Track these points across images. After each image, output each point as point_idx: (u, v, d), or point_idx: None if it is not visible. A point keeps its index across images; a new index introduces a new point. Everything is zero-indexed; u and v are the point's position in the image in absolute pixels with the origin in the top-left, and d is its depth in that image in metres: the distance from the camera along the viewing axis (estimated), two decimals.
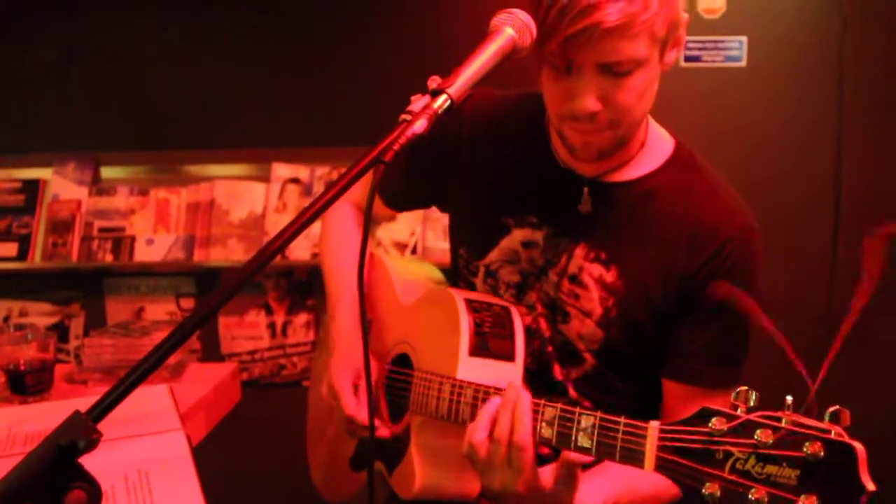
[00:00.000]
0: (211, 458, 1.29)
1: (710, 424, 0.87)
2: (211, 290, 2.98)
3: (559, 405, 1.06)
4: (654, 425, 0.94)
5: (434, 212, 2.80)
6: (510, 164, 1.36)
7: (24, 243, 2.90)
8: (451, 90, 1.00)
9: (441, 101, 1.00)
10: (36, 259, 2.89)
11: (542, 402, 1.07)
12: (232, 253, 2.83)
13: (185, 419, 1.40)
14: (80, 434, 0.84)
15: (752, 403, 0.85)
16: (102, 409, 0.87)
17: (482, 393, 1.19)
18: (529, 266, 1.34)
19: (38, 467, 0.81)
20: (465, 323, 1.29)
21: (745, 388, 0.86)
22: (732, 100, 2.69)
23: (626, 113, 1.16)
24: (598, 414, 1.01)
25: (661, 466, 0.92)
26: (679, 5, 1.16)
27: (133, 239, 2.87)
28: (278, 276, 2.96)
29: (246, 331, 2.94)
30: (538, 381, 1.32)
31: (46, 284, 3.00)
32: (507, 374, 1.28)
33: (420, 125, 0.98)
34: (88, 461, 0.83)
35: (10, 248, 2.90)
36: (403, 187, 1.47)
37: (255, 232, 2.85)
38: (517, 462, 1.05)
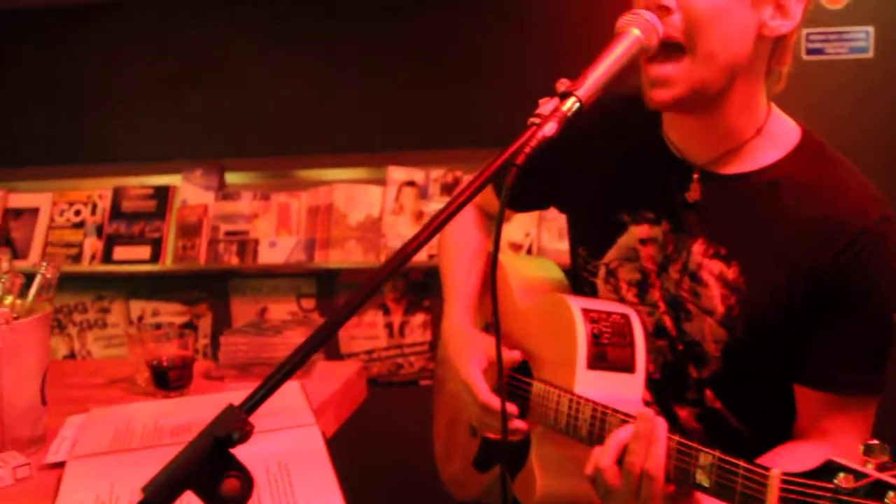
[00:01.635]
0: (342, 452, 1.33)
1: (835, 481, 0.83)
2: (330, 291, 3.07)
3: (677, 437, 1.05)
4: (775, 474, 0.91)
5: (549, 212, 2.81)
6: (623, 159, 1.35)
7: (156, 247, 3.06)
8: (579, 93, 1.01)
9: (570, 104, 1.00)
10: (167, 262, 3.04)
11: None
12: (350, 255, 2.91)
13: (316, 415, 1.45)
14: (234, 426, 0.88)
15: (884, 460, 0.81)
16: (254, 402, 0.91)
17: (600, 412, 1.18)
18: (649, 263, 1.32)
19: (197, 456, 0.86)
20: (582, 334, 1.28)
21: (877, 441, 0.82)
22: (858, 94, 2.58)
23: (699, 29, 1.11)
24: (717, 453, 1.00)
25: None
26: None
27: (257, 242, 2.99)
28: (396, 276, 3.01)
29: (364, 331, 3.02)
30: (670, 382, 1.30)
31: (176, 285, 3.16)
32: (628, 386, 1.27)
33: (550, 128, 0.99)
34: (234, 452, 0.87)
35: (144, 252, 3.06)
36: (522, 188, 1.49)
37: (373, 234, 2.92)
38: (646, 492, 1.05)
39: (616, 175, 1.35)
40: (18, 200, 3.22)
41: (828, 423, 1.21)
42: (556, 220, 2.79)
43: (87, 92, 3.14)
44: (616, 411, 1.16)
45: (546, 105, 1.04)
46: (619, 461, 1.09)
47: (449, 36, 2.88)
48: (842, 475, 0.83)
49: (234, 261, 2.99)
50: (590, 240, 1.40)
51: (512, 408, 1.35)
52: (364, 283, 0.93)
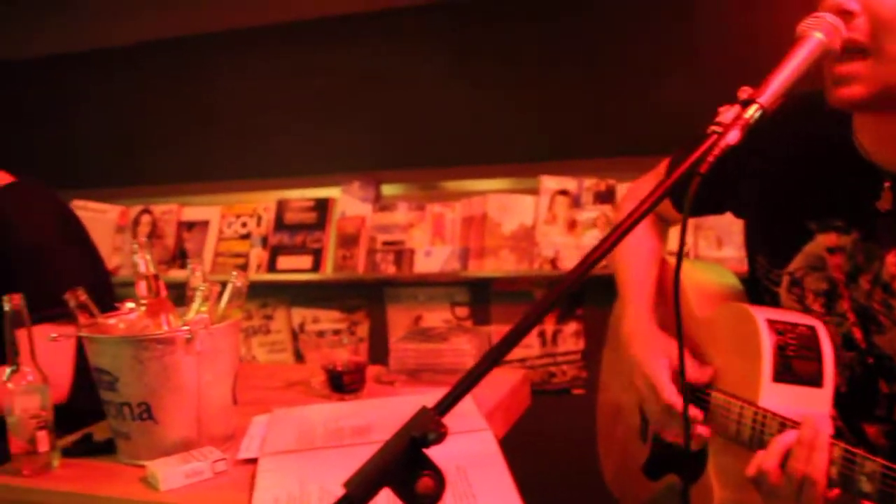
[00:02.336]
0: (510, 457, 1.35)
1: None
2: (483, 299, 3.11)
3: (842, 444, 1.04)
4: None
5: (706, 220, 2.76)
6: (809, 163, 1.30)
7: (317, 256, 3.20)
8: (762, 100, 0.99)
9: (752, 111, 0.99)
10: (327, 271, 3.17)
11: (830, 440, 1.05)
12: (504, 264, 2.94)
13: (486, 420, 1.49)
14: (429, 427, 0.91)
15: None
16: (446, 405, 0.94)
17: (791, 426, 1.16)
18: (837, 273, 1.28)
19: (395, 455, 0.90)
20: (767, 346, 1.25)
21: None
22: None
23: (885, 32, 1.07)
24: (880, 461, 0.98)
25: None
26: None
27: (412, 251, 3.07)
28: (549, 285, 3.02)
29: None
30: (857, 397, 1.26)
31: (335, 294, 3.29)
32: (815, 400, 1.23)
33: (733, 136, 0.98)
34: None
35: (306, 261, 3.20)
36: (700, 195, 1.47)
37: (526, 243, 2.94)
38: (807, 496, 1.04)
39: (801, 180, 1.31)
40: (191, 214, 3.44)
41: None
42: (713, 228, 2.73)
43: (249, 112, 3.32)
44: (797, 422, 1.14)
45: (727, 113, 1.03)
46: (783, 464, 1.09)
47: (601, 41, 2.87)
48: None
49: (391, 270, 3.08)
50: (771, 248, 1.36)
51: (696, 412, 1.34)
52: (550, 291, 0.95)
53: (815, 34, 1.05)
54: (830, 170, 1.27)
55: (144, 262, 1.52)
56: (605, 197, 2.91)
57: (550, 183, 2.97)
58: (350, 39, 3.16)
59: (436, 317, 3.18)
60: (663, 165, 1.61)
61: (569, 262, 2.86)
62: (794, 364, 1.25)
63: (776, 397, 1.23)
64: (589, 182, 2.93)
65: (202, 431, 1.44)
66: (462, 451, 1.33)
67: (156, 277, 1.52)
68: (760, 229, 1.41)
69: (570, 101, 2.92)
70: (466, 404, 1.58)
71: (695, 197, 0.97)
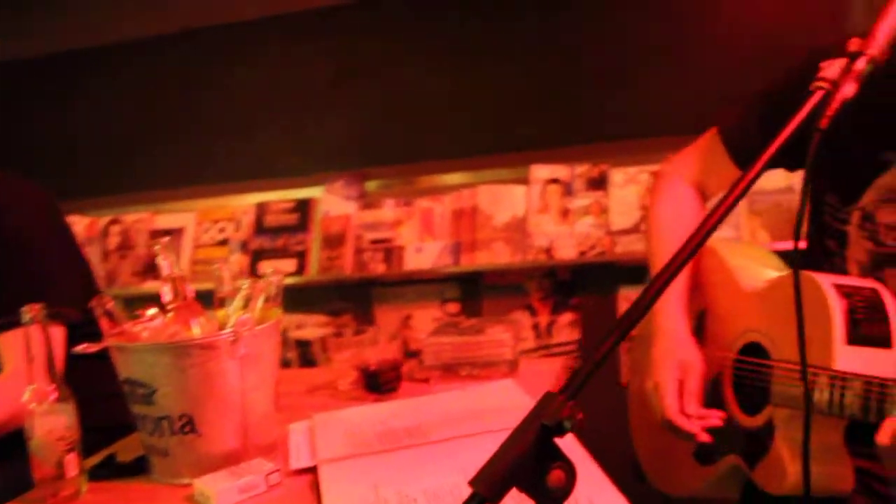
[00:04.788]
0: None
1: None
2: (474, 294, 3.04)
3: None
4: None
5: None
6: (882, 95, 1.27)
7: (301, 259, 3.09)
8: (872, 51, 0.95)
9: (863, 63, 0.95)
10: (312, 273, 3.06)
11: None
12: (498, 256, 2.88)
13: None
14: (562, 414, 0.84)
15: None
16: (574, 389, 0.87)
17: (876, 386, 1.11)
18: None
19: (525, 447, 0.82)
20: (837, 309, 1.21)
21: None
22: None
23: None
24: None
25: None
26: None
27: (402, 248, 2.99)
28: (542, 277, 2.97)
29: None
30: None
31: (321, 297, 3.18)
32: (886, 361, 1.20)
33: (850, 89, 0.94)
34: None
35: (289, 265, 3.09)
36: (760, 141, 1.44)
37: (519, 234, 2.88)
38: None
39: (879, 113, 1.27)
40: (164, 222, 3.29)
41: None
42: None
43: (223, 113, 3.19)
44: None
45: (831, 67, 0.98)
46: None
47: (587, 28, 2.83)
48: None
49: (381, 268, 2.99)
50: (842, 184, 1.32)
51: (706, 437, 1.32)
52: (662, 270, 0.88)
53: None
54: None
55: (168, 264, 1.41)
56: (598, 183, 2.86)
57: (541, 172, 2.91)
58: (327, 33, 3.06)
59: (426, 315, 3.10)
60: (707, 138, 1.56)
61: (563, 251, 2.81)
62: (864, 326, 1.22)
63: (850, 360, 1.19)
64: (581, 169, 2.88)
65: (248, 442, 1.33)
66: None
67: (182, 279, 1.41)
68: (830, 168, 1.36)
69: (558, 89, 2.88)
70: (515, 396, 1.52)
71: (815, 154, 0.92)
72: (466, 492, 1.13)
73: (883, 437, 1.06)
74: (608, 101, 2.82)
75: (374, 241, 3.02)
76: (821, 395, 1.20)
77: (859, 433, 1.27)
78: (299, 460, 1.32)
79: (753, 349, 1.38)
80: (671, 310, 1.48)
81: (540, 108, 2.89)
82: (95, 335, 1.32)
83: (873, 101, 1.26)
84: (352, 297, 3.16)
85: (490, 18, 2.90)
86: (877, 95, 1.26)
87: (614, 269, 2.85)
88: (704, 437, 1.37)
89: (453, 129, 2.96)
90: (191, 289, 1.40)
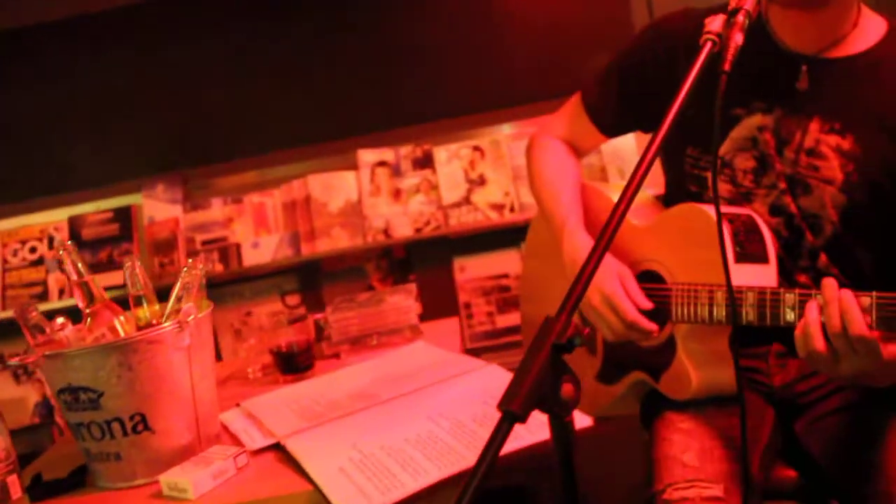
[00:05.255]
0: None
1: None
2: (314, 283, 3.06)
3: (874, 294, 1.17)
4: None
5: (524, 169, 2.94)
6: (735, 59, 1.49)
7: None
8: (748, 6, 1.15)
9: (743, 16, 1.14)
10: None
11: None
12: (337, 242, 2.93)
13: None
14: (569, 332, 0.95)
15: None
16: (571, 307, 0.97)
17: (769, 294, 1.32)
18: (764, 148, 1.48)
19: (542, 366, 0.93)
20: (727, 234, 1.42)
21: None
22: None
23: None
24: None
25: None
26: None
27: (238, 245, 2.95)
28: (378, 257, 3.06)
29: None
30: (793, 253, 1.46)
31: None
32: (766, 274, 1.41)
33: (739, 38, 1.13)
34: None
35: (117, 277, 2.95)
36: (618, 116, 1.63)
37: (356, 218, 2.95)
38: (862, 347, 1.17)
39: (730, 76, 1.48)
40: None
41: None
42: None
43: (21, 124, 2.97)
44: (788, 290, 1.31)
45: (714, 22, 1.16)
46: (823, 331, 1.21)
47: (402, 18, 2.94)
48: None
49: (219, 268, 2.94)
50: (702, 137, 1.53)
51: (653, 326, 1.48)
52: (607, 223, 1.03)
53: None
54: (752, 61, 1.44)
55: (74, 268, 1.36)
56: (424, 162, 2.99)
57: (368, 156, 3.00)
58: (125, 34, 2.94)
59: (267, 310, 3.08)
60: (572, 103, 1.73)
61: (400, 229, 2.92)
62: (747, 246, 1.43)
63: (741, 276, 1.40)
64: (405, 150, 3.00)
65: (200, 434, 1.32)
66: (483, 385, 1.37)
67: (92, 281, 1.38)
68: (689, 124, 1.56)
69: (376, 75, 2.96)
70: (436, 354, 1.61)
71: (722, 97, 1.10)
72: (446, 435, 1.23)
73: (800, 351, 1.25)
74: (425, 83, 2.95)
75: (207, 242, 2.96)
76: (719, 310, 1.40)
77: (741, 338, 1.50)
78: (255, 441, 1.33)
79: (649, 276, 1.56)
80: (584, 238, 1.63)
81: (360, 95, 2.97)
82: None
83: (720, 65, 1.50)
84: None
85: (303, 8, 2.93)
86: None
87: (447, 242, 2.99)
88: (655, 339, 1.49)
89: (274, 121, 2.96)
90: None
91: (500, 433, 0.89)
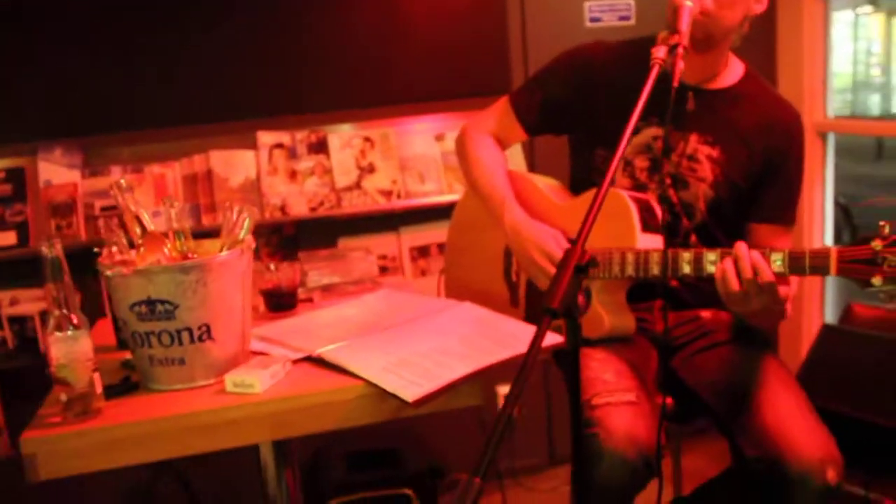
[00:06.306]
0: None
1: (871, 244, 1.51)
2: None
3: (759, 251, 1.64)
4: (833, 249, 1.57)
5: (410, 160, 3.31)
6: (636, 85, 1.96)
7: (23, 230, 3.00)
8: (684, 41, 1.64)
9: (681, 49, 1.62)
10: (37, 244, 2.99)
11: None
12: None
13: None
14: (586, 258, 1.35)
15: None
16: (582, 239, 1.37)
17: (670, 255, 1.78)
18: (657, 153, 1.97)
19: (570, 279, 1.32)
20: (634, 211, 1.89)
21: (890, 221, 1.53)
22: None
23: (717, 5, 1.78)
24: (785, 251, 1.62)
25: (842, 270, 1.54)
26: None
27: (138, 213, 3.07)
28: (269, 233, 3.30)
29: None
30: (671, 231, 1.95)
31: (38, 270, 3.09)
32: (657, 241, 1.91)
33: (681, 64, 1.62)
34: None
35: (9, 237, 2.98)
36: (541, 119, 2.08)
37: (254, 195, 3.18)
38: (769, 288, 1.61)
39: (631, 96, 1.94)
40: None
41: (777, 245, 1.96)
42: (415, 167, 3.31)
43: None
44: (686, 248, 1.78)
45: (659, 51, 1.63)
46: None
47: (303, 11, 3.21)
48: (874, 241, 1.53)
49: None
50: (611, 142, 1.98)
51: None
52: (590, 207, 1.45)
53: (686, 2, 1.71)
54: (653, 87, 1.91)
55: (134, 202, 1.59)
56: (318, 147, 3.28)
57: (266, 138, 3.24)
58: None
59: None
60: (501, 105, 2.15)
61: (296, 208, 3.18)
62: (648, 220, 1.91)
63: (645, 242, 1.87)
64: (301, 135, 3.27)
65: (245, 347, 1.59)
66: (474, 316, 1.73)
67: (141, 214, 1.61)
68: (601, 131, 2.01)
69: (277, 63, 3.20)
70: (404, 299, 1.95)
71: (673, 105, 1.56)
72: (458, 345, 1.60)
73: (721, 293, 1.70)
74: (324, 75, 3.24)
75: (106, 209, 3.07)
76: (628, 267, 1.86)
77: (636, 292, 1.98)
78: (288, 355, 1.61)
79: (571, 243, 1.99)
80: (520, 210, 2.04)
81: (263, 80, 3.19)
82: None
83: (624, 88, 1.97)
84: (78, 269, 3.13)
85: None
86: (625, 84, 1.97)
87: (335, 223, 3.29)
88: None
89: (177, 97, 3.10)
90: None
91: (544, 325, 1.27)
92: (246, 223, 1.61)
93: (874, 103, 11.71)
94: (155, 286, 1.46)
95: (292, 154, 3.25)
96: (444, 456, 3.14)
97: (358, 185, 3.26)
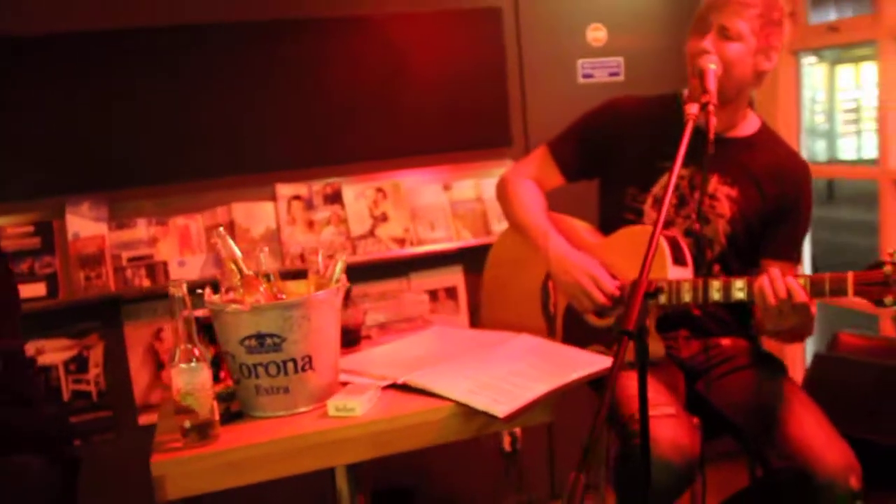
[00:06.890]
0: None
1: (883, 269, 1.75)
2: None
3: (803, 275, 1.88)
4: (850, 274, 1.80)
5: (420, 210, 3.50)
6: (662, 132, 2.19)
7: (52, 282, 3.10)
8: (713, 100, 1.88)
9: (711, 106, 1.86)
10: (67, 294, 3.10)
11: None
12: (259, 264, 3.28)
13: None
14: (654, 286, 1.55)
15: None
16: (646, 270, 1.58)
17: (701, 283, 2.00)
18: (683, 191, 2.20)
19: (640, 308, 1.51)
20: (666, 246, 2.11)
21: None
22: None
23: (727, 65, 2.04)
24: (807, 276, 1.85)
25: (858, 292, 1.78)
26: (777, 39, 2.10)
27: (165, 263, 3.21)
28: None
29: None
30: (697, 262, 2.17)
31: (65, 320, 3.19)
32: (687, 272, 2.13)
33: (714, 120, 1.85)
34: None
35: (39, 288, 3.08)
36: (578, 163, 2.31)
37: (275, 244, 3.33)
38: (802, 308, 1.83)
39: (657, 143, 2.17)
40: None
41: None
42: (426, 216, 3.50)
43: None
44: (730, 277, 2.00)
45: (693, 108, 1.87)
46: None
47: (313, 69, 3.41)
48: (886, 267, 1.77)
49: (147, 283, 3.17)
50: (640, 181, 2.22)
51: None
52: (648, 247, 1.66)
53: (710, 66, 1.96)
54: (676, 134, 2.11)
55: (230, 248, 1.75)
56: (333, 198, 3.46)
57: (285, 190, 3.40)
58: (61, 57, 3.12)
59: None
60: (539, 153, 2.38)
61: (315, 255, 3.34)
62: (676, 255, 2.13)
63: (675, 273, 2.09)
64: (317, 186, 3.44)
65: (335, 377, 1.74)
66: (527, 346, 1.91)
67: (239, 259, 1.76)
68: (631, 174, 2.25)
69: (294, 119, 3.39)
70: (458, 328, 2.12)
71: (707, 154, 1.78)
72: (528, 369, 1.78)
73: (758, 307, 1.91)
74: (337, 130, 3.43)
75: (132, 259, 3.19)
76: (665, 297, 2.07)
77: (664, 322, 2.19)
78: (376, 383, 1.77)
79: None
80: (564, 242, 2.26)
81: (280, 135, 3.37)
82: None
83: (651, 135, 2.21)
84: (100, 317, 3.24)
85: (235, 52, 3.30)
86: (652, 132, 2.20)
87: (350, 269, 3.43)
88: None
89: (200, 151, 3.26)
90: None
91: (623, 345, 1.47)
92: (339, 265, 1.78)
93: (820, 149, 12.35)
94: (265, 321, 1.62)
95: (309, 205, 3.42)
96: (460, 497, 3.29)
97: (372, 234, 3.44)
